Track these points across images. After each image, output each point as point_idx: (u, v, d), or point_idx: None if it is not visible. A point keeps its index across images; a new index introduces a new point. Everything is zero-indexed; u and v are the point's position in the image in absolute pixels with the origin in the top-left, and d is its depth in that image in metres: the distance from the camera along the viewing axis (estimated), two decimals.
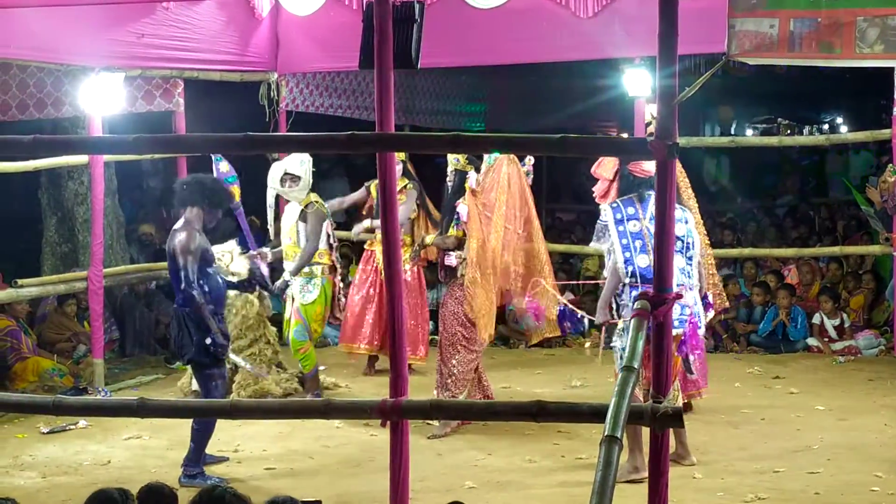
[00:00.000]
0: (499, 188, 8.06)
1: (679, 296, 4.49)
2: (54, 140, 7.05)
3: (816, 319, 11.25)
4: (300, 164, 8.93)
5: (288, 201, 9.26)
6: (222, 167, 9.23)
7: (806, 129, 25.33)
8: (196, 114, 10.91)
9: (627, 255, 7.01)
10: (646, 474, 6.76)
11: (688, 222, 7.14)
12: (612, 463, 3.42)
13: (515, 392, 9.37)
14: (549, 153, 6.64)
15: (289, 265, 9.02)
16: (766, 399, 9.25)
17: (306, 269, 8.96)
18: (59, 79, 9.73)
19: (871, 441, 7.90)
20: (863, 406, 8.92)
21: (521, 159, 8.21)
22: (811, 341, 11.16)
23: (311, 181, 9.02)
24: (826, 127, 25.75)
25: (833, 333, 11.16)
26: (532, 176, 8.32)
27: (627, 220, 7.08)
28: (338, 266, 9.17)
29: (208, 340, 7.06)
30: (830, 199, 19.24)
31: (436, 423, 8.05)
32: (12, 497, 5.35)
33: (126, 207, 12.63)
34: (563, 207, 17.43)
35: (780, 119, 25.27)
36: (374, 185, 9.55)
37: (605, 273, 7.35)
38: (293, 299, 9.11)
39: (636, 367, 3.93)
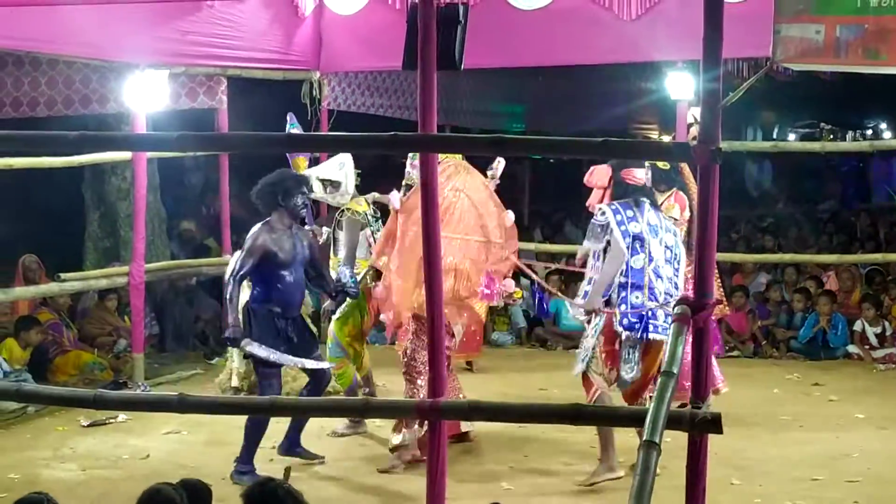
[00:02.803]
0: (449, 201, 7.21)
1: (719, 301, 4.45)
2: (99, 136, 7.11)
3: (858, 326, 11.16)
4: (338, 167, 8.17)
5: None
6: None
7: (849, 135, 25.15)
8: (238, 111, 10.97)
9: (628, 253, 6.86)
10: (622, 473, 6.80)
11: (676, 235, 7.07)
12: (651, 468, 3.41)
13: (553, 395, 9.35)
14: (591, 155, 6.58)
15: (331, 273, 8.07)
16: (805, 406, 9.20)
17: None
18: (105, 75, 9.82)
19: None
20: None
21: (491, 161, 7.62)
22: (851, 348, 11.08)
23: (353, 185, 8.19)
24: (869, 132, 25.57)
25: (874, 341, 11.07)
26: (498, 181, 7.61)
27: (628, 220, 6.88)
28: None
29: (226, 333, 7.23)
30: (873, 205, 19.12)
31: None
32: (51, 489, 5.37)
33: (167, 204, 12.71)
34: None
35: (822, 124, 25.10)
36: None
37: (594, 263, 6.96)
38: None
39: (675, 372, 3.92)
